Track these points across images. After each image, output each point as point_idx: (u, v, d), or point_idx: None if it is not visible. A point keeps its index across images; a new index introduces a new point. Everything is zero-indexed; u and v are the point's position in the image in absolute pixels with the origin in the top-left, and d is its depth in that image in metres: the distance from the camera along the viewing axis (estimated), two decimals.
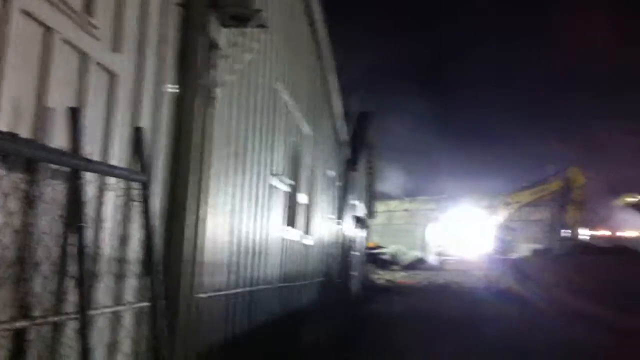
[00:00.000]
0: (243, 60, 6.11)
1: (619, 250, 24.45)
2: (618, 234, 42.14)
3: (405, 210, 50.92)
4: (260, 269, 7.62)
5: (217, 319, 6.02)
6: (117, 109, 3.89)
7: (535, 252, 32.88)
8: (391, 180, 49.54)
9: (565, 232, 33.70)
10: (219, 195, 5.82)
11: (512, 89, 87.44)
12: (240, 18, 5.18)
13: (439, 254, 42.25)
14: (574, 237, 32.31)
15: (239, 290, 6.72)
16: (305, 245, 11.23)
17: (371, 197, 31.83)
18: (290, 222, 9.58)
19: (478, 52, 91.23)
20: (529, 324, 16.63)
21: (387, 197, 49.21)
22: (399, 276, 34.90)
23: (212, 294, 5.79)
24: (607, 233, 41.99)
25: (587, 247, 26.96)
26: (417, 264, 39.47)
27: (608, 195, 36.44)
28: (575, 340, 13.67)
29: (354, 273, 21.57)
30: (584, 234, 33.33)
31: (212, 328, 5.85)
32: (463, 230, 43.49)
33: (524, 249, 36.23)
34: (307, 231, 11.36)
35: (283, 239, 9.00)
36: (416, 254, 44.00)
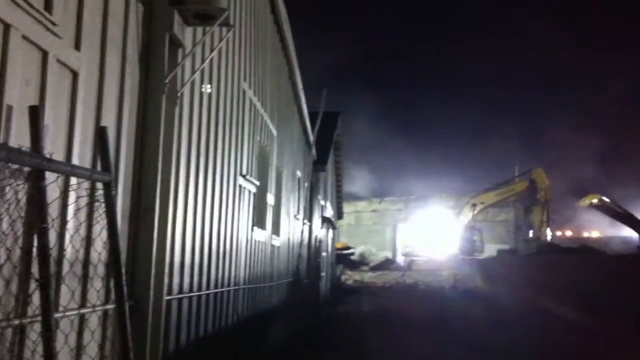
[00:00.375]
0: (208, 60, 6.07)
1: (583, 250, 24.87)
2: (582, 234, 42.99)
3: (374, 210, 51.11)
4: (228, 270, 7.57)
5: (186, 321, 5.96)
6: (79, 108, 3.82)
7: (501, 253, 33.27)
8: (359, 180, 49.77)
9: (530, 233, 34.14)
10: (186, 196, 5.77)
11: (479, 89, 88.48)
12: (205, 16, 5.13)
13: (407, 255, 42.51)
14: (538, 238, 32.74)
15: (207, 291, 6.67)
16: (274, 246, 11.20)
17: (339, 198, 31.91)
18: (258, 222, 9.53)
19: (445, 51, 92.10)
20: (493, 323, 16.86)
21: (355, 197, 49.38)
22: (367, 276, 35.04)
23: (180, 295, 5.73)
24: (571, 233, 42.80)
25: (552, 247, 27.36)
26: (385, 265, 39.66)
27: (572, 196, 37.06)
28: (536, 338, 13.89)
29: (323, 274, 21.60)
30: (549, 234, 33.80)
31: (181, 330, 5.80)
32: (431, 230, 43.84)
33: (490, 249, 36.66)
34: (275, 232, 11.32)
35: (251, 240, 8.96)
36: (385, 254, 44.22)
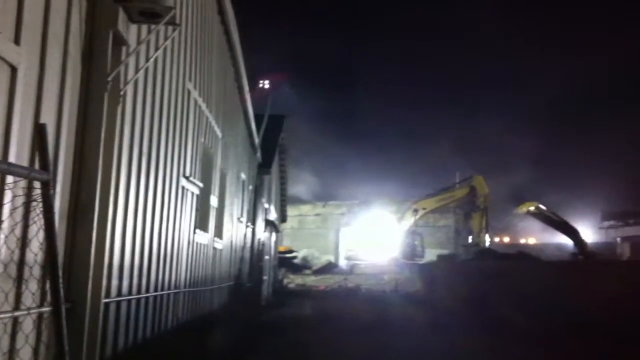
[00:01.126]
0: (153, 58, 5.97)
1: (520, 256, 25.51)
2: (519, 240, 44.17)
3: (317, 214, 51.26)
4: (169, 273, 7.46)
5: (124, 325, 5.84)
6: (17, 103, 3.71)
7: (441, 257, 33.81)
8: (303, 184, 49.84)
9: (469, 238, 34.82)
10: (127, 197, 5.65)
11: (424, 96, 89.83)
12: (151, 14, 5.05)
13: (350, 258, 42.75)
14: (477, 243, 33.40)
15: (147, 294, 6.56)
16: (216, 249, 11.10)
17: (283, 201, 31.87)
18: (201, 225, 9.43)
19: (389, 56, 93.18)
20: (432, 327, 17.14)
21: (299, 201, 49.43)
22: (310, 280, 35.06)
23: (119, 298, 5.61)
24: (508, 239, 43.90)
25: (490, 253, 27.93)
26: (328, 268, 39.80)
27: (510, 204, 37.99)
28: (473, 341, 14.18)
29: (265, 277, 21.51)
30: (487, 240, 34.52)
31: (119, 334, 5.68)
32: (373, 235, 44.23)
33: (430, 254, 37.23)
34: (218, 235, 11.22)
35: (193, 243, 8.85)
36: (327, 258, 44.41)
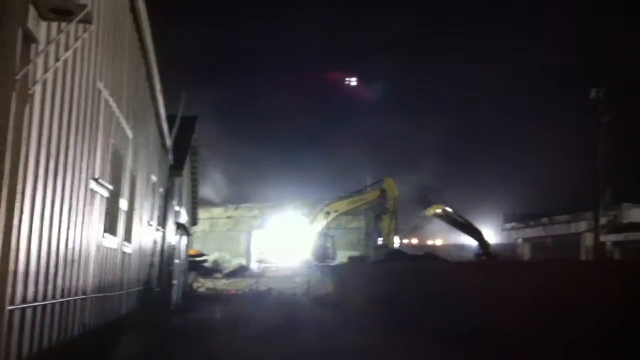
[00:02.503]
0: (64, 58, 5.78)
1: (428, 257, 26.28)
2: (427, 242, 45.42)
3: (229, 217, 50.78)
4: (76, 279, 7.23)
5: (30, 332, 5.61)
6: None
7: (352, 259, 34.31)
8: (215, 187, 49.30)
9: (380, 240, 35.50)
10: (34, 200, 5.44)
11: (335, 98, 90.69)
12: (63, 12, 4.88)
13: (262, 262, 42.61)
14: (387, 245, 34.08)
15: (53, 301, 6.33)
16: (125, 254, 10.83)
17: (195, 204, 31.43)
18: (110, 229, 9.18)
19: (303, 61, 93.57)
20: (343, 328, 17.39)
21: (211, 204, 48.82)
22: (221, 284, 34.68)
23: (25, 305, 5.39)
24: (417, 241, 45.06)
25: (399, 255, 28.60)
26: (240, 272, 39.45)
27: (418, 206, 38.96)
28: (384, 342, 14.52)
29: (175, 281, 21.15)
30: (397, 242, 35.29)
31: (24, 341, 5.45)
32: (286, 237, 44.28)
33: (342, 255, 37.68)
34: (127, 239, 10.95)
35: (102, 247, 8.60)
36: (239, 261, 44.06)
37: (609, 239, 33.13)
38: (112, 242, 9.44)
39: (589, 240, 33.69)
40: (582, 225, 35.63)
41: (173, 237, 19.74)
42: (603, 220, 31.83)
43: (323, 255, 36.44)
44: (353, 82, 54.21)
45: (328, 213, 36.38)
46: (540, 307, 9.86)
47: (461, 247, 39.99)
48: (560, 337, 9.15)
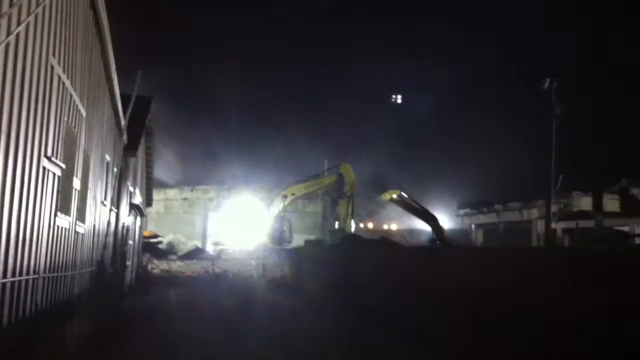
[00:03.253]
0: (15, 31, 5.63)
1: (383, 241, 26.51)
2: (382, 226, 45.85)
3: (185, 199, 50.30)
4: (27, 258, 7.09)
5: None
6: None
7: (308, 243, 34.43)
8: (170, 168, 48.73)
9: (336, 224, 35.67)
10: None
11: (291, 83, 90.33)
12: None
13: (217, 244, 42.43)
14: (343, 229, 34.25)
15: (4, 280, 6.20)
16: (78, 233, 10.65)
17: (149, 185, 31.06)
18: (63, 208, 9.01)
19: (258, 41, 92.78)
20: (297, 312, 17.53)
21: (166, 185, 48.30)
22: (175, 266, 34.45)
23: None
24: (372, 226, 45.44)
25: (355, 239, 28.77)
26: (195, 254, 39.22)
27: (374, 191, 39.22)
28: (335, 325, 14.69)
29: (129, 263, 20.93)
30: (353, 226, 35.50)
31: None
32: (241, 220, 44.15)
33: (298, 239, 37.77)
34: (80, 218, 10.77)
35: (54, 226, 8.45)
36: (194, 243, 43.78)
37: (559, 225, 34.01)
38: (65, 222, 9.28)
39: (540, 226, 34.50)
40: (534, 212, 36.46)
41: (127, 218, 19.49)
42: (554, 208, 32.61)
43: (279, 238, 36.47)
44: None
45: (285, 196, 36.37)
46: (490, 293, 10.06)
47: (416, 232, 40.54)
48: (507, 322, 9.37)
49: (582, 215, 33.11)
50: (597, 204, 32.92)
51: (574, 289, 8.19)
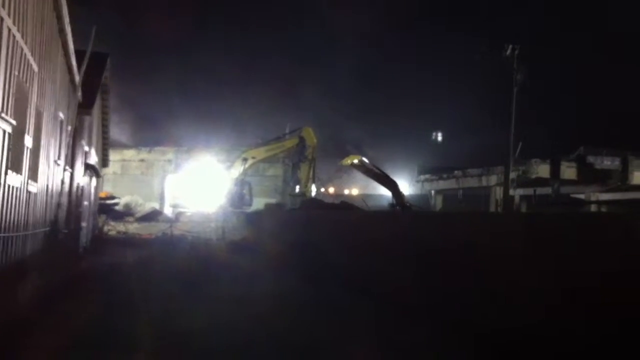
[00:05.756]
0: None
1: (343, 205, 26.56)
2: (343, 191, 45.97)
3: (142, 160, 49.44)
4: None
5: None
6: None
7: (268, 206, 34.29)
8: (127, 127, 47.77)
9: (297, 188, 35.58)
10: None
11: (253, 44, 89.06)
12: None
13: (176, 206, 41.98)
14: (304, 193, 34.20)
15: None
16: (30, 193, 10.26)
17: (105, 145, 30.37)
18: (14, 166, 8.62)
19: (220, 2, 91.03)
20: (252, 271, 17.50)
21: (123, 145, 47.37)
22: (133, 228, 33.99)
23: None
24: (333, 190, 45.53)
25: (315, 203, 28.76)
26: (152, 216, 38.71)
27: (336, 156, 39.17)
28: (289, 285, 14.72)
29: (84, 224, 20.49)
30: (314, 190, 35.46)
31: None
32: (201, 182, 43.69)
33: (258, 202, 37.60)
34: (32, 177, 10.37)
35: (4, 185, 8.07)
36: (152, 205, 43.17)
37: (517, 192, 34.54)
38: (16, 180, 8.89)
39: (498, 193, 34.98)
40: (493, 179, 36.93)
41: (82, 178, 19.01)
42: (512, 175, 33.07)
43: (239, 202, 36.25)
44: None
45: (245, 159, 36.03)
46: (450, 256, 10.12)
47: (377, 197, 40.72)
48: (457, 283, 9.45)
49: (540, 182, 33.64)
50: (555, 172, 33.46)
51: (523, 254, 8.33)
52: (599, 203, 30.54)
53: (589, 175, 33.18)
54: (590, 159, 33.89)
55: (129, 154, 48.99)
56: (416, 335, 9.41)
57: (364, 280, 13.41)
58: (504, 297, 8.61)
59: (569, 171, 33.65)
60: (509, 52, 33.09)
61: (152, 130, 54.56)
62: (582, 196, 32.08)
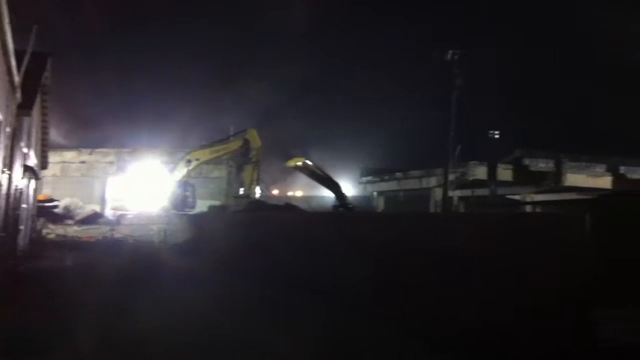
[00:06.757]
0: None
1: (288, 207, 26.75)
2: (287, 193, 46.13)
3: (83, 162, 48.41)
4: None
5: None
6: None
7: (212, 208, 34.17)
8: (68, 129, 46.73)
9: (241, 190, 35.54)
10: None
11: (199, 48, 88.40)
12: None
13: (117, 209, 41.32)
14: (248, 195, 34.21)
15: None
16: None
17: (45, 147, 29.73)
18: None
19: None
20: (196, 276, 17.47)
21: (62, 147, 46.30)
22: (72, 231, 33.37)
23: None
24: (278, 192, 45.64)
25: (260, 205, 28.84)
26: (93, 219, 38.02)
27: (280, 158, 39.26)
28: (240, 290, 14.78)
29: (22, 227, 20.06)
30: (258, 192, 35.49)
31: None
32: (143, 185, 43.12)
33: (202, 204, 37.37)
34: None
35: None
36: (93, 208, 42.37)
37: (455, 193, 35.39)
38: None
39: (438, 194, 35.75)
40: (433, 181, 37.68)
41: (20, 181, 18.62)
42: (451, 177, 33.87)
43: (182, 204, 36.01)
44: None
45: (189, 161, 35.82)
46: (388, 254, 10.43)
47: (320, 199, 41.03)
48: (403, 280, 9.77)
49: (478, 183, 34.59)
50: (492, 173, 34.43)
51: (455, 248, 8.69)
52: (534, 203, 31.60)
53: (525, 177, 34.30)
54: (526, 161, 35.04)
55: (70, 155, 47.94)
56: (359, 331, 9.66)
57: (310, 280, 13.62)
58: (445, 292, 8.94)
59: (505, 173, 34.69)
60: (449, 56, 33.89)
61: (94, 132, 53.54)
62: (518, 197, 33.12)
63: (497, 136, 34.67)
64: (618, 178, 34.80)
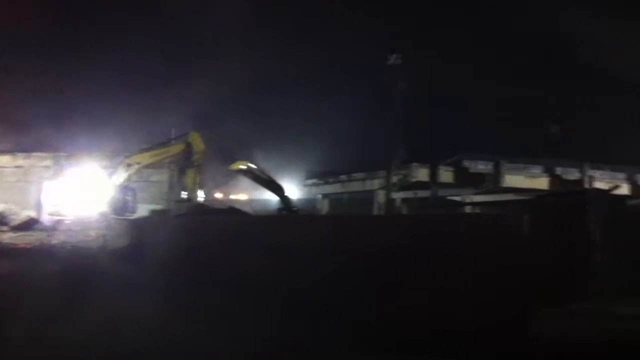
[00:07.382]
0: None
1: (230, 210, 26.56)
2: (230, 196, 45.78)
3: (18, 166, 46.93)
4: None
5: None
6: None
7: (153, 212, 33.62)
8: (1, 132, 45.25)
9: (183, 194, 35.10)
10: None
11: (138, 51, 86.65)
12: None
13: (54, 214, 40.19)
14: (190, 199, 33.83)
15: None
16: None
17: None
18: None
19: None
20: (136, 283, 17.08)
21: None
22: (7, 237, 32.27)
23: None
24: (221, 195, 45.24)
25: (202, 208, 28.56)
26: (29, 224, 36.83)
27: (223, 161, 38.95)
28: (177, 295, 14.54)
29: None
30: (201, 196, 35.14)
31: None
32: (81, 190, 42.08)
33: (143, 209, 36.71)
34: None
35: None
36: (28, 214, 41.05)
37: (398, 195, 35.81)
38: None
39: (381, 196, 36.10)
40: (376, 183, 38.04)
41: None
42: (394, 179, 34.26)
43: (122, 209, 35.31)
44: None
45: (129, 165, 35.17)
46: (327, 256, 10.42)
47: (264, 202, 40.88)
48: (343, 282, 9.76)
49: (420, 185, 35.08)
50: (433, 175, 34.98)
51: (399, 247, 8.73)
52: (474, 204, 32.25)
53: (465, 179, 35.00)
54: (466, 163, 35.76)
55: (4, 160, 46.50)
56: (296, 331, 9.60)
57: (257, 284, 13.49)
58: (385, 292, 8.97)
59: (446, 175, 35.31)
60: (392, 60, 34.32)
61: (29, 135, 51.85)
62: (458, 198, 33.76)
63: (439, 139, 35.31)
64: (554, 179, 35.89)
